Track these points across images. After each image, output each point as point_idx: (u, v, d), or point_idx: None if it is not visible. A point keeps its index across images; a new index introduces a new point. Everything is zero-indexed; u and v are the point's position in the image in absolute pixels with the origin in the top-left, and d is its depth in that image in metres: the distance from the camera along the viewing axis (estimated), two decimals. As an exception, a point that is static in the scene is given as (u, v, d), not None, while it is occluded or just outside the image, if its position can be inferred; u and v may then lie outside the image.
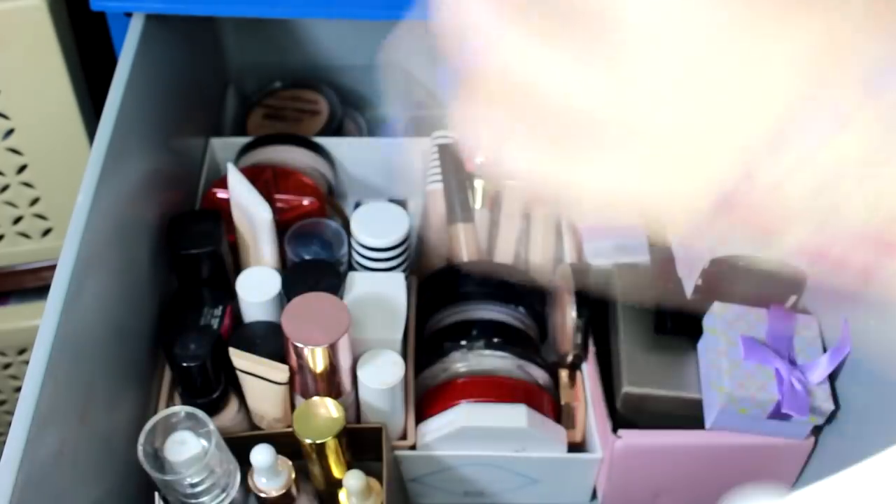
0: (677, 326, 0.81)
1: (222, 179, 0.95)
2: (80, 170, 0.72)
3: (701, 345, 0.79)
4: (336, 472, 0.73)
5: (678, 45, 0.28)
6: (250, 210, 0.85)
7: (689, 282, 0.80)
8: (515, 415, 0.77)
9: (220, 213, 0.87)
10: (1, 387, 1.11)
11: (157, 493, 0.67)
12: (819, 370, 0.72)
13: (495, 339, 0.82)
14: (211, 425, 0.65)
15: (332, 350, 0.71)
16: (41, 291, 1.07)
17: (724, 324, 0.76)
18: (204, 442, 0.65)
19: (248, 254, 0.87)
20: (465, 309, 0.87)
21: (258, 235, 0.85)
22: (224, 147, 1.04)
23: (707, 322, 0.78)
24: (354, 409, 0.78)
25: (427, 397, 0.82)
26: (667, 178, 0.30)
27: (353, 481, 0.70)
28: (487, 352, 0.81)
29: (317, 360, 0.72)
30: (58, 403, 0.62)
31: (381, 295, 0.81)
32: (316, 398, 0.73)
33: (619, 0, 0.28)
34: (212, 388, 0.74)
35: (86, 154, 0.74)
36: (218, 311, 0.81)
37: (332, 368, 0.73)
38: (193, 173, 0.99)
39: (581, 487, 0.83)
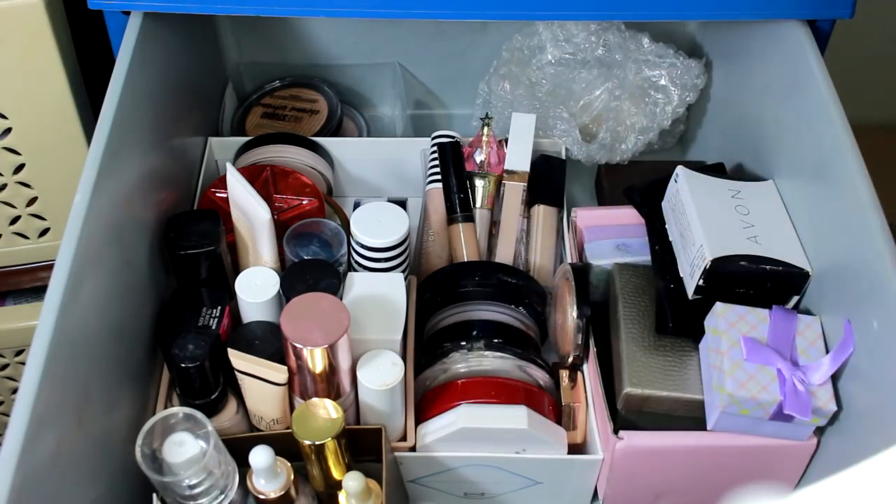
0: (678, 327, 0.81)
1: (221, 179, 0.94)
2: (77, 169, 0.71)
3: (702, 345, 0.79)
4: (335, 473, 0.73)
5: None
6: (249, 210, 0.84)
7: (691, 282, 0.80)
8: (516, 416, 0.77)
9: (219, 213, 0.86)
10: (-2, 387, 1.10)
11: (155, 495, 0.67)
12: (821, 371, 0.72)
13: (496, 340, 0.82)
14: (209, 426, 0.65)
15: (332, 351, 0.71)
16: (38, 292, 1.07)
17: (725, 324, 0.75)
18: (202, 443, 0.65)
19: (246, 254, 0.87)
20: (465, 309, 0.86)
21: (257, 235, 0.85)
22: (222, 146, 1.03)
23: (708, 322, 0.78)
24: (354, 410, 0.78)
25: (427, 398, 0.81)
26: None
27: (352, 483, 0.70)
28: (488, 352, 0.81)
29: (316, 361, 0.71)
30: (55, 404, 0.62)
31: (381, 295, 0.81)
32: (315, 399, 0.72)
33: None
34: (210, 388, 0.74)
35: (83, 153, 0.74)
36: (216, 312, 0.81)
37: (332, 369, 0.73)
38: (192, 173, 0.99)
39: (582, 489, 0.83)
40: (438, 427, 0.78)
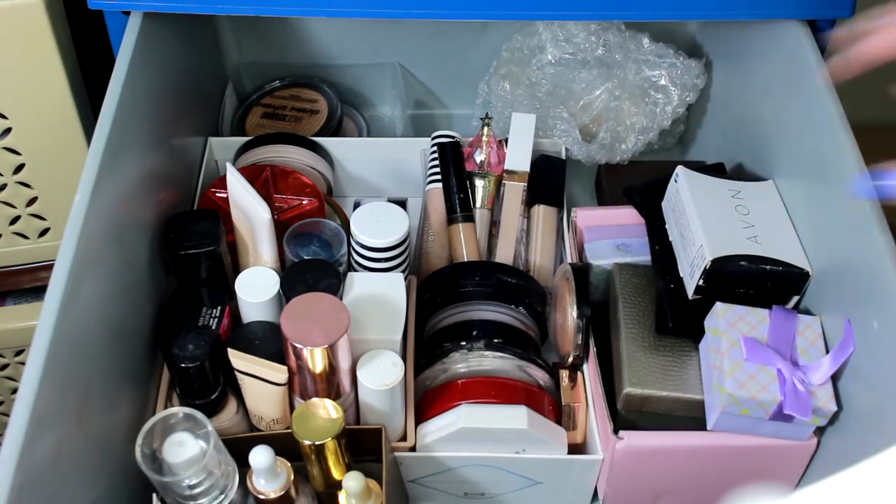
0: (678, 327, 0.81)
1: (221, 179, 0.94)
2: (77, 169, 0.71)
3: (702, 345, 0.79)
4: (335, 473, 0.73)
5: None
6: (249, 210, 0.84)
7: (691, 282, 0.80)
8: (516, 416, 0.77)
9: (219, 213, 0.86)
10: (-2, 387, 1.10)
11: (154, 495, 0.67)
12: (821, 371, 0.72)
13: (496, 340, 0.82)
14: (209, 426, 0.65)
15: (332, 351, 0.71)
16: (38, 292, 1.07)
17: (725, 324, 0.75)
18: (202, 443, 0.65)
19: (246, 254, 0.87)
20: (465, 309, 0.86)
21: (257, 235, 0.85)
22: (222, 146, 1.03)
23: (708, 322, 0.78)
24: (354, 410, 0.78)
25: (427, 398, 0.81)
26: None
27: (352, 483, 0.70)
28: (488, 352, 0.81)
29: (316, 361, 0.71)
30: (55, 404, 0.62)
31: (381, 295, 0.81)
32: (315, 399, 0.72)
33: None
34: (210, 388, 0.74)
35: (83, 153, 0.74)
36: (216, 312, 0.81)
37: (332, 369, 0.73)
38: (192, 173, 0.99)
39: (582, 489, 0.83)
40: (438, 427, 0.78)
